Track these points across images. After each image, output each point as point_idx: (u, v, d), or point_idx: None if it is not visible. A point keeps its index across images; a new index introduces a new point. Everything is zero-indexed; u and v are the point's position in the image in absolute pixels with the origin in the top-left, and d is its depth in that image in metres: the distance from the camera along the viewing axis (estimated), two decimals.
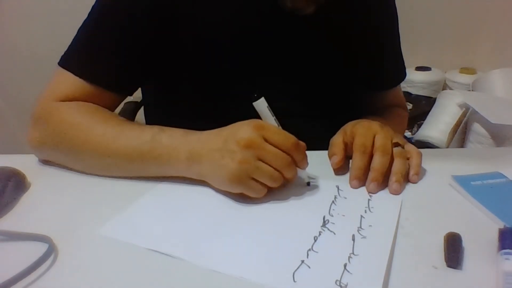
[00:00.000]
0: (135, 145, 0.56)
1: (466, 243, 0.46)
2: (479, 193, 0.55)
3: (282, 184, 0.54)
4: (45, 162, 0.63)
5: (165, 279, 0.41)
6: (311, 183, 0.57)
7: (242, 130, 0.51)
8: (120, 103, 0.70)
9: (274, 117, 0.55)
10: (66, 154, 0.60)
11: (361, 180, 0.57)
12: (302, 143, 0.54)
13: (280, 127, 0.55)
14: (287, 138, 0.52)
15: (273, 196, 0.54)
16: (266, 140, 0.51)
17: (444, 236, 0.46)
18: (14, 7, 1.67)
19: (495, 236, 0.45)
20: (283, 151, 0.51)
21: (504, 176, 0.59)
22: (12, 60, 1.72)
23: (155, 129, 0.58)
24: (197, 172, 0.55)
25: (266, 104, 0.55)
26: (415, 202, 0.54)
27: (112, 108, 0.68)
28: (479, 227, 0.49)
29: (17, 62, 1.72)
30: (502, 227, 0.46)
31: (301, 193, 0.56)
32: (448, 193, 0.57)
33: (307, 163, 0.55)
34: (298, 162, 0.54)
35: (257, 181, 0.51)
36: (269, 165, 0.51)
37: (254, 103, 0.54)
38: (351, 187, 0.57)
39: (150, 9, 0.63)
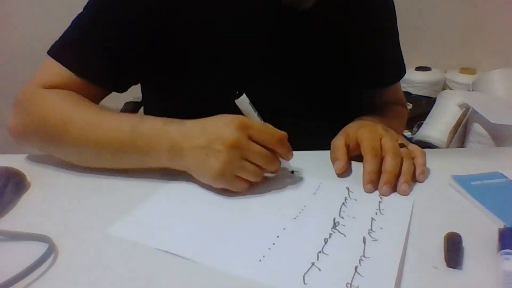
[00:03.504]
0: (115, 136, 0.56)
1: (466, 243, 0.46)
2: (479, 193, 0.55)
3: (268, 176, 0.56)
4: (45, 162, 0.63)
5: (165, 279, 0.41)
6: (295, 172, 0.59)
7: (227, 130, 0.51)
8: (105, 96, 0.68)
9: (257, 112, 0.55)
10: (47, 142, 0.60)
11: (375, 183, 0.57)
12: (285, 134, 0.54)
13: (262, 121, 0.56)
14: (272, 135, 0.53)
15: (283, 199, 0.55)
16: (251, 138, 0.52)
17: (444, 236, 0.46)
18: (14, 7, 1.67)
19: (495, 236, 0.45)
20: (269, 148, 0.53)
21: (504, 176, 0.59)
22: (12, 60, 1.72)
23: (135, 118, 0.58)
24: (180, 165, 0.55)
25: (248, 101, 0.54)
26: (415, 202, 0.54)
27: (96, 101, 0.66)
28: (479, 227, 0.49)
29: (17, 62, 1.72)
30: (502, 227, 0.46)
31: (311, 195, 0.56)
32: (448, 193, 0.57)
33: (292, 154, 0.56)
34: (284, 155, 0.55)
35: (242, 178, 0.53)
36: (254, 163, 0.52)
37: (236, 101, 0.54)
38: (365, 191, 0.56)
39: (150, 9, 0.63)
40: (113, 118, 0.59)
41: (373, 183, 0.57)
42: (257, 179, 0.54)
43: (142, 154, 0.55)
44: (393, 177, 0.56)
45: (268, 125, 0.55)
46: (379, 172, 0.57)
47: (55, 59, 0.64)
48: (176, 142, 0.53)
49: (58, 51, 0.64)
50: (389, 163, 0.57)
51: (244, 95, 0.54)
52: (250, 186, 0.54)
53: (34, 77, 0.64)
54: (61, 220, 0.50)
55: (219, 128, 0.52)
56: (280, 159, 0.56)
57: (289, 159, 0.57)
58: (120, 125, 0.57)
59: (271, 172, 0.56)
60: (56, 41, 0.65)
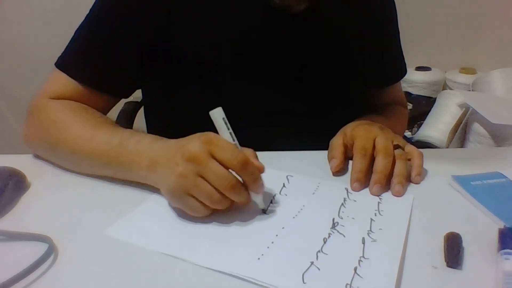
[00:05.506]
0: (104, 149, 0.56)
1: (466, 243, 0.46)
2: (479, 193, 0.55)
3: (236, 208, 0.50)
4: (45, 161, 0.63)
5: (166, 279, 0.41)
6: (268, 211, 0.51)
7: (190, 143, 0.48)
8: (114, 104, 0.70)
9: (230, 130, 0.48)
10: (48, 149, 0.62)
11: (362, 182, 0.57)
12: (256, 164, 0.48)
13: (235, 141, 0.49)
14: (235, 156, 0.46)
15: (282, 199, 0.53)
16: (212, 156, 0.46)
17: (444, 236, 0.46)
18: (14, 8, 1.67)
19: (495, 236, 0.45)
20: (232, 170, 0.47)
21: (504, 176, 0.59)
22: (12, 60, 1.72)
23: (126, 133, 0.57)
24: (153, 181, 0.53)
25: (222, 115, 0.48)
26: (415, 202, 0.54)
27: (105, 109, 0.68)
28: (479, 227, 0.49)
29: (17, 62, 1.72)
30: (502, 227, 0.46)
31: (310, 195, 0.55)
32: (448, 193, 0.57)
33: (262, 187, 0.49)
34: (249, 184, 0.48)
35: (197, 199, 0.47)
36: (211, 184, 0.46)
37: (210, 113, 0.48)
38: (352, 190, 0.57)
39: (146, 13, 0.64)
40: (107, 131, 0.58)
41: (359, 181, 0.57)
42: (215, 205, 0.47)
43: (125, 168, 0.54)
44: (384, 177, 0.56)
45: (248, 149, 0.50)
46: (367, 172, 0.57)
47: (61, 70, 0.65)
48: (155, 157, 0.52)
49: (63, 63, 0.65)
50: (379, 163, 0.57)
51: (219, 108, 0.48)
52: (214, 213, 0.49)
53: (43, 88, 0.66)
54: (61, 220, 0.50)
55: (186, 142, 0.49)
56: (251, 192, 0.49)
57: (257, 193, 0.49)
58: (111, 138, 0.57)
59: (239, 204, 0.49)
60: (62, 53, 0.66)
